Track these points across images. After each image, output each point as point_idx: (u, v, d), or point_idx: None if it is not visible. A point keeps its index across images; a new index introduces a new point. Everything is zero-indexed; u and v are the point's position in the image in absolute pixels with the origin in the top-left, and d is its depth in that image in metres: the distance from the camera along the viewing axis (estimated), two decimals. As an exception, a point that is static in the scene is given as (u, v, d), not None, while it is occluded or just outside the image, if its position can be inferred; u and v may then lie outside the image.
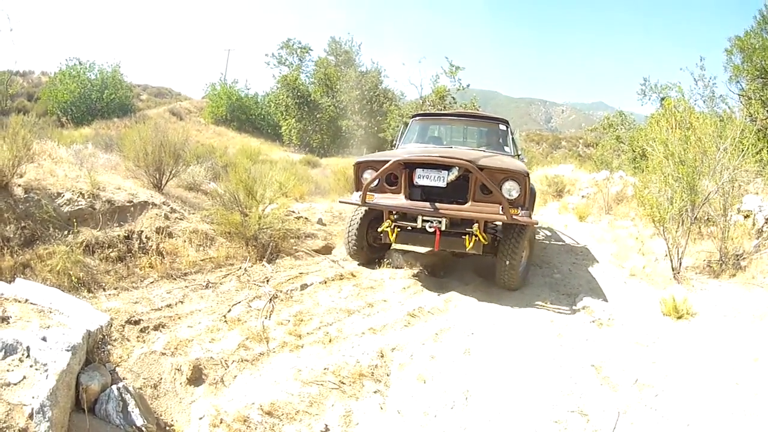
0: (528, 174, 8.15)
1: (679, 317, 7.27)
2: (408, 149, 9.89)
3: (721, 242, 9.70)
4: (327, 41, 60.67)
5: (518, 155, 10.65)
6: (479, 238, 8.10)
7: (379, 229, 8.64)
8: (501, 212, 7.76)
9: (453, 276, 9.46)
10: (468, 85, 46.33)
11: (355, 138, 52.16)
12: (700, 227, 10.75)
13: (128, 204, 8.71)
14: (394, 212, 8.56)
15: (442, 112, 15.86)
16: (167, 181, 11.34)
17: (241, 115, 54.56)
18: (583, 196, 20.93)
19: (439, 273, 9.48)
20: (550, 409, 5.11)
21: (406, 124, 11.54)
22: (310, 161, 33.53)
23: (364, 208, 9.16)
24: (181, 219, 9.18)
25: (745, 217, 10.95)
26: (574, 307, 8.00)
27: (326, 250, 10.28)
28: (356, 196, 8.54)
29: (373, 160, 8.78)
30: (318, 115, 53.01)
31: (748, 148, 9.19)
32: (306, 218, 12.06)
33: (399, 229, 8.53)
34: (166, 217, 8.88)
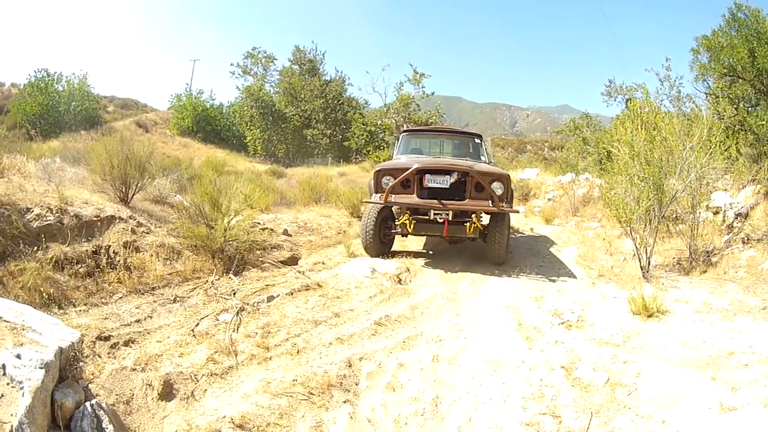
0: (509, 176, 10.97)
1: (650, 316, 7.32)
2: (404, 159, 12.12)
3: (691, 239, 9.86)
4: (291, 50, 60.71)
5: (491, 162, 13.04)
6: (476, 225, 10.48)
7: (398, 222, 10.94)
8: (491, 205, 10.21)
9: (419, 282, 9.56)
10: (432, 93, 46.86)
11: (320, 147, 52.51)
12: (668, 226, 10.93)
13: (95, 219, 8.67)
14: (408, 208, 10.80)
15: (428, 127, 19.80)
16: (133, 195, 11.27)
17: (207, 126, 54.65)
18: (549, 200, 21.30)
19: (406, 280, 9.57)
20: (521, 413, 5.14)
21: (398, 138, 14.26)
22: (276, 171, 33.53)
23: (377, 208, 11.11)
24: (147, 233, 9.14)
25: (715, 213, 11.09)
26: (542, 310, 8.02)
27: (292, 261, 10.32)
28: (376, 197, 10.65)
29: (390, 168, 11.00)
30: (283, 125, 53.27)
31: (715, 145, 9.29)
32: (271, 229, 12.14)
33: (415, 222, 10.74)
34: (133, 232, 8.84)
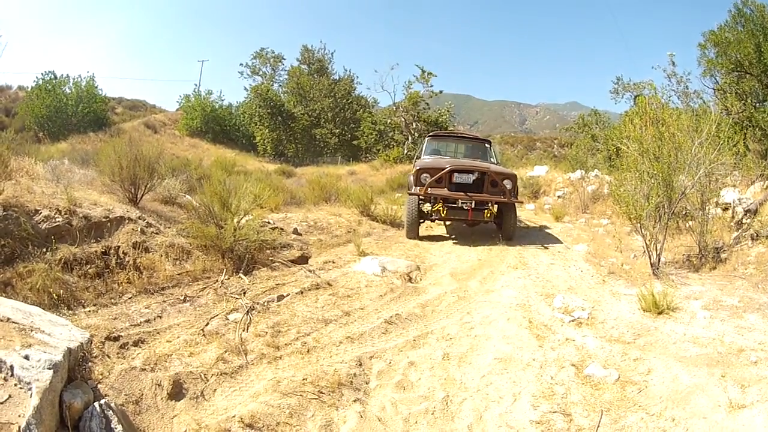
0: (516, 175, 14.42)
1: (660, 313, 7.29)
2: (429, 159, 15.30)
3: (700, 236, 9.83)
4: (299, 50, 60.52)
5: (498, 163, 16.31)
6: (492, 212, 13.44)
7: (433, 209, 13.48)
8: (503, 197, 13.21)
9: (429, 280, 9.56)
10: (441, 91, 46.87)
11: (330, 146, 52.44)
12: (678, 222, 10.91)
13: (104, 219, 8.63)
14: (441, 198, 13.36)
15: (448, 132, 22.97)
16: (143, 196, 11.21)
17: (216, 126, 54.38)
18: (559, 197, 21.26)
19: (416, 279, 9.60)
20: (531, 411, 5.16)
21: (423, 141, 18.10)
22: (285, 171, 33.43)
23: (416, 199, 13.52)
24: (157, 233, 9.11)
25: (724, 209, 11.04)
26: (552, 308, 8.02)
27: (302, 260, 10.22)
28: (416, 190, 13.44)
29: (428, 167, 13.82)
30: (292, 125, 53.11)
31: (724, 141, 9.26)
32: (281, 229, 12.07)
33: (447, 208, 13.32)
34: (143, 232, 8.81)
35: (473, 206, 13.49)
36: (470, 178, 13.73)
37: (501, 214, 13.91)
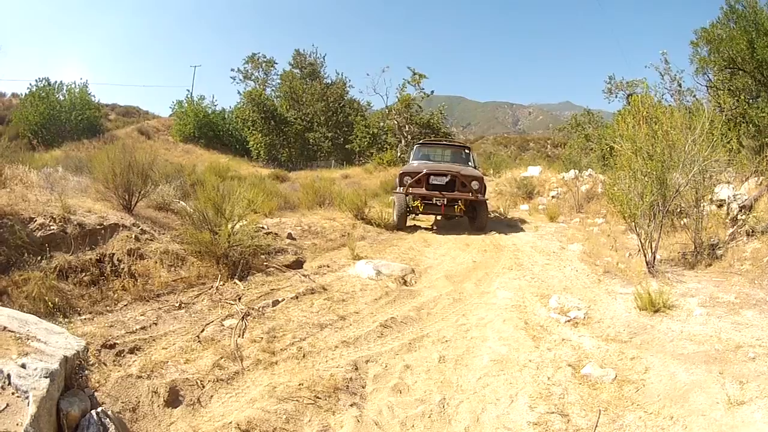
0: (483, 177, 17.26)
1: (656, 311, 7.28)
2: (416, 164, 17.87)
3: (695, 233, 9.82)
4: (291, 54, 60.53)
5: (475, 166, 18.87)
6: (461, 207, 15.88)
7: (412, 205, 16.16)
8: (471, 195, 15.83)
9: (424, 283, 9.58)
10: (432, 92, 47.17)
11: (323, 150, 52.51)
12: (672, 220, 10.86)
13: (99, 227, 8.62)
14: (420, 196, 16.01)
15: (434, 141, 26.30)
16: (137, 202, 11.07)
17: (209, 131, 54.35)
18: (553, 197, 21.46)
19: (411, 281, 9.63)
20: (528, 412, 5.14)
21: (413, 147, 21.47)
22: (279, 175, 33.17)
23: (402, 197, 16.07)
24: (151, 240, 9.09)
25: (719, 206, 11.01)
26: (548, 308, 8.01)
27: (297, 264, 10.27)
28: (400, 189, 16.17)
29: (409, 171, 16.66)
30: (285, 129, 53.08)
31: (717, 138, 9.25)
32: (276, 234, 12.07)
33: (424, 204, 16.08)
34: (137, 239, 8.79)
35: (445, 203, 16.13)
36: (444, 180, 16.32)
37: (474, 210, 16.48)
